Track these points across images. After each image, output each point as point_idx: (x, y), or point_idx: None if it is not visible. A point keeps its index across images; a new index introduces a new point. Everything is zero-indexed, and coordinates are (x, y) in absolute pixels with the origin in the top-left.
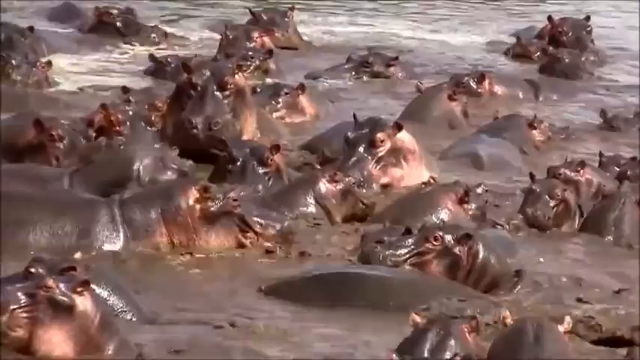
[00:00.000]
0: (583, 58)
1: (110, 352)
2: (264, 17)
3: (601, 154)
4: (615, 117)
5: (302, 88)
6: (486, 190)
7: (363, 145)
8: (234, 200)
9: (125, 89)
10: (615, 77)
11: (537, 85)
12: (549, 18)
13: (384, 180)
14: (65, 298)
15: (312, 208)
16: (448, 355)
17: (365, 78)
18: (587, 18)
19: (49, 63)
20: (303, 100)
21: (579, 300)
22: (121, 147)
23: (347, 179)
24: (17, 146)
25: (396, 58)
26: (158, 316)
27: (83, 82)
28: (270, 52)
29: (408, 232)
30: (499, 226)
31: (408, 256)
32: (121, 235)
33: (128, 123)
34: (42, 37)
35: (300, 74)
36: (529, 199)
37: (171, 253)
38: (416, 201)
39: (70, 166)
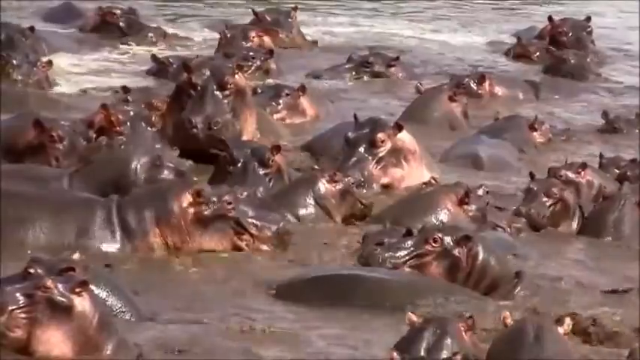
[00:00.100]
0: (588, 59)
1: (109, 352)
2: (268, 18)
3: (601, 156)
4: (617, 118)
5: (303, 89)
6: (487, 192)
7: (364, 145)
8: (229, 203)
9: (125, 89)
10: (616, 78)
11: (537, 86)
12: (550, 18)
13: (385, 180)
14: (64, 299)
15: (311, 209)
16: (445, 353)
17: (365, 78)
18: (588, 19)
19: (50, 62)
20: (304, 101)
21: (579, 301)
22: (122, 147)
23: (346, 179)
24: (17, 147)
25: (397, 59)
26: (157, 316)
27: (84, 82)
28: (270, 53)
29: (409, 233)
30: (500, 228)
31: (407, 258)
32: (117, 235)
33: (128, 123)
34: (42, 37)
35: (301, 74)
36: (526, 198)
37: (169, 253)
38: (416, 201)
39: (69, 167)
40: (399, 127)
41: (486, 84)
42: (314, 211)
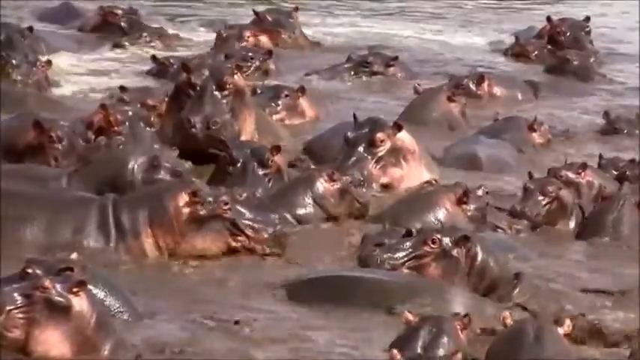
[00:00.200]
0: (592, 60)
1: (106, 352)
2: (269, 18)
3: (600, 157)
4: (618, 118)
5: (302, 90)
6: (487, 193)
7: (363, 145)
8: (226, 204)
9: (123, 88)
10: (615, 78)
11: (537, 86)
12: (548, 18)
13: (384, 180)
14: (61, 299)
15: (310, 208)
16: (441, 352)
17: (364, 78)
18: (587, 19)
19: (49, 62)
20: (304, 102)
21: (579, 302)
22: (120, 147)
23: (344, 178)
24: (17, 147)
25: (396, 58)
26: (154, 316)
27: (83, 82)
28: (269, 53)
29: (409, 234)
30: (500, 229)
31: (405, 259)
32: (112, 234)
33: (127, 123)
34: (41, 37)
35: (300, 74)
36: (522, 196)
37: (161, 254)
38: (415, 201)
39: (68, 167)
40: (398, 127)
41: (485, 84)
42: (313, 210)
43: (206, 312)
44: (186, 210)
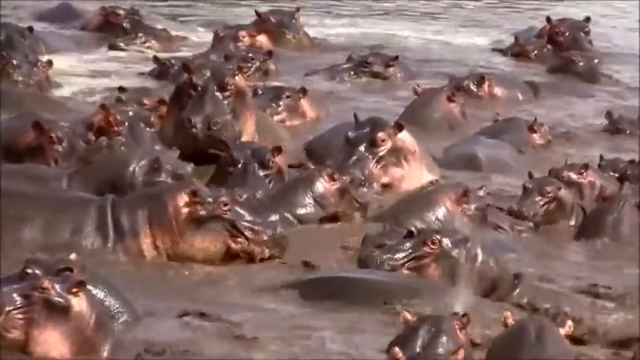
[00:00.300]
0: (596, 60)
1: (106, 352)
2: (272, 19)
3: (601, 157)
4: (620, 118)
5: (304, 91)
6: (488, 193)
7: (364, 145)
8: (225, 205)
9: (122, 89)
10: (616, 79)
11: (537, 87)
12: (548, 19)
13: (385, 180)
14: (61, 299)
15: (310, 208)
16: (440, 351)
17: (364, 78)
18: (587, 19)
19: (50, 63)
20: (305, 103)
21: (579, 302)
22: (122, 147)
23: (344, 178)
24: (17, 148)
25: (396, 58)
26: (153, 316)
27: (83, 83)
28: (269, 54)
29: (410, 234)
30: (500, 230)
31: (405, 260)
32: (110, 234)
33: (127, 124)
34: (41, 38)
35: (300, 75)
36: (520, 196)
37: (159, 253)
38: (415, 200)
39: (69, 168)
40: (399, 127)
41: (486, 85)
42: (313, 210)
43: (205, 312)
44: (185, 210)
